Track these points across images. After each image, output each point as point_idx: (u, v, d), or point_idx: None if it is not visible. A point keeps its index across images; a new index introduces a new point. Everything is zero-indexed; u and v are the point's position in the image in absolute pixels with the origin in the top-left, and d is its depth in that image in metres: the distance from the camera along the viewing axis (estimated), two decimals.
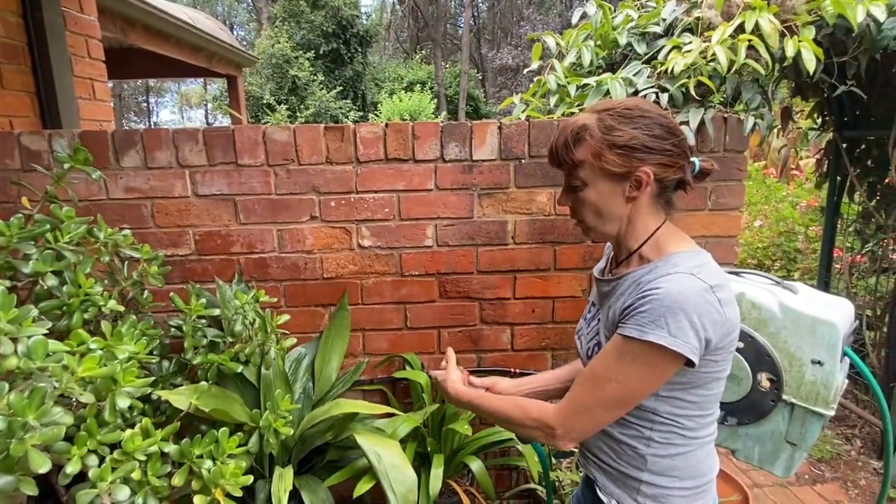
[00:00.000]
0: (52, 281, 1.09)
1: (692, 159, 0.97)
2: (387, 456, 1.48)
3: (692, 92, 1.82)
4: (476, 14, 22.74)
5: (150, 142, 1.78)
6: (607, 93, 2.03)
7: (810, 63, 1.80)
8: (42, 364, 0.82)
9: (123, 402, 0.96)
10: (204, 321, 1.49)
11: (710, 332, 0.83)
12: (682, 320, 0.82)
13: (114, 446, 1.02)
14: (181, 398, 1.31)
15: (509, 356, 2.02)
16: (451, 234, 1.91)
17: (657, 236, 0.95)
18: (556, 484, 1.84)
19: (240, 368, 1.40)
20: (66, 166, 1.25)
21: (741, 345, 1.50)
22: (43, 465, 0.77)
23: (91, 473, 0.92)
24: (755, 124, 1.82)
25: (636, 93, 2.00)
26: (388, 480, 1.44)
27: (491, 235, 1.92)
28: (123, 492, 0.93)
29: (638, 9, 2.31)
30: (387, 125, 1.83)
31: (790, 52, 1.82)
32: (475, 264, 1.94)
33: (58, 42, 2.37)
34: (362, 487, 1.47)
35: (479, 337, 2.00)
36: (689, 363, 0.85)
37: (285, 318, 1.52)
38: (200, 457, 1.16)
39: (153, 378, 1.35)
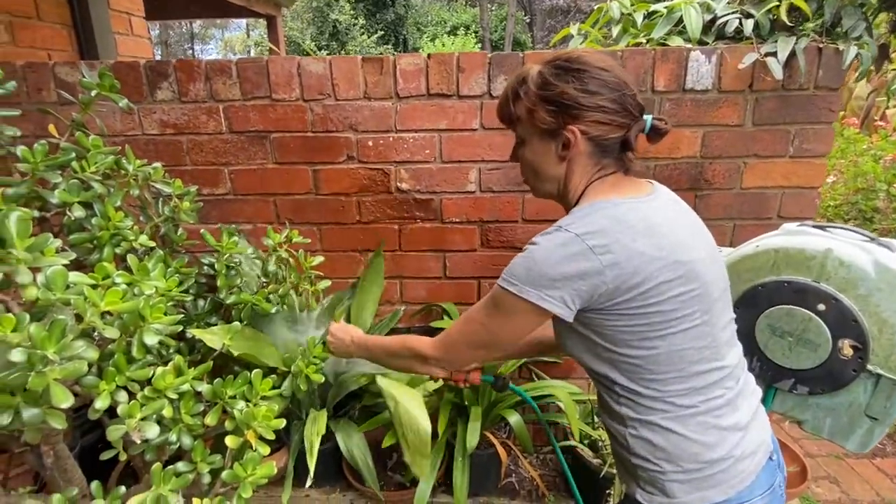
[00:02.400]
0: (79, 212, 1.05)
1: (644, 116, 0.89)
2: (404, 402, 1.42)
3: (783, 17, 1.57)
4: None
5: (184, 74, 1.70)
6: (679, 21, 1.79)
7: None
8: (63, 296, 0.77)
9: (151, 339, 0.92)
10: (238, 261, 1.44)
11: (580, 285, 0.79)
12: (537, 272, 0.81)
13: (145, 384, 0.99)
14: (215, 338, 1.28)
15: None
16: (496, 178, 1.78)
17: (587, 192, 0.90)
18: (600, 443, 1.77)
19: (273, 309, 1.35)
20: (92, 93, 1.18)
21: (822, 307, 1.33)
22: (65, 400, 0.74)
23: (119, 409, 0.89)
24: (857, 55, 1.56)
25: (714, 20, 1.75)
26: (401, 428, 1.38)
27: None
28: (153, 429, 0.90)
29: None
30: (429, 56, 1.67)
31: None
32: (521, 212, 1.81)
33: None
34: (390, 440, 1.43)
35: None
36: (562, 319, 0.83)
37: (319, 259, 1.46)
38: (233, 397, 1.12)
39: (183, 315, 1.33)
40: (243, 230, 1.81)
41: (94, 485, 1.01)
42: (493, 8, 19.69)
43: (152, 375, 0.95)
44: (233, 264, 1.36)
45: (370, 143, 1.75)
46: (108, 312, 0.86)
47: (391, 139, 1.75)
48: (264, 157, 1.78)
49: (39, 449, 1.05)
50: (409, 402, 1.36)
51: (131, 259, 0.93)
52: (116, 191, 1.18)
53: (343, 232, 1.85)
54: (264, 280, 1.38)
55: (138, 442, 0.89)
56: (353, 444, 1.66)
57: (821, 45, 1.61)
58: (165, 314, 0.96)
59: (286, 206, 1.82)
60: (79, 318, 0.83)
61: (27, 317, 0.76)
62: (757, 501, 0.87)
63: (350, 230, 1.85)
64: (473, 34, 17.48)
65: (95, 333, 0.85)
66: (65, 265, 0.81)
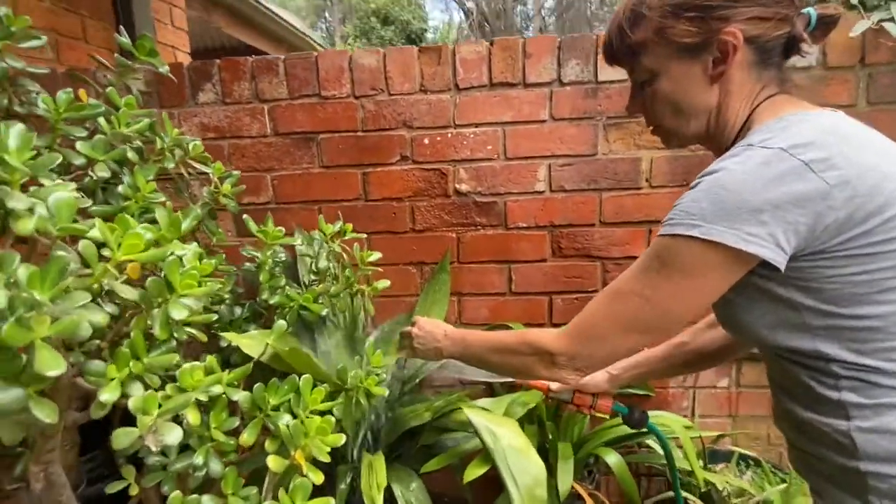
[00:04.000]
0: (103, 171, 0.87)
1: (804, 10, 0.68)
2: (505, 436, 1.13)
3: None
4: (544, 25, 22.42)
5: (228, 73, 1.59)
6: None
7: None
8: (67, 226, 0.56)
9: (179, 314, 0.69)
10: (282, 260, 1.24)
11: (798, 215, 0.55)
12: (732, 203, 0.57)
13: (166, 382, 0.76)
14: (253, 343, 1.05)
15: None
16: (567, 175, 1.57)
17: (756, 115, 0.68)
18: (711, 490, 1.41)
19: (325, 311, 1.12)
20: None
21: None
22: (54, 366, 0.51)
23: (131, 403, 0.65)
24: None
25: None
26: (506, 466, 1.09)
27: (619, 177, 1.55)
28: (174, 432, 0.66)
29: None
30: (492, 43, 1.53)
31: None
32: (598, 214, 1.58)
33: (143, 5, 2.30)
34: (473, 472, 1.14)
35: None
36: (768, 265, 0.58)
37: (377, 255, 1.24)
38: (276, 409, 0.88)
39: (216, 320, 1.11)
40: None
41: None
42: None
43: (175, 361, 0.72)
44: (278, 260, 1.15)
45: (426, 141, 1.58)
46: (123, 268, 0.65)
47: (449, 135, 1.57)
48: (310, 161, 1.62)
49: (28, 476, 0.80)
50: (514, 439, 1.07)
51: (159, 211, 0.73)
52: (149, 165, 1.01)
53: (395, 242, 1.64)
54: (314, 278, 1.17)
55: (153, 448, 0.64)
56: (411, 495, 1.36)
57: None
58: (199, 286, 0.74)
59: (332, 214, 1.63)
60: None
61: (17, 256, 0.55)
62: None
63: (402, 240, 1.64)
64: None
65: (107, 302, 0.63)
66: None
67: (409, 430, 1.48)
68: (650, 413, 1.51)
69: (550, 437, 1.40)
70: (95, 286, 0.60)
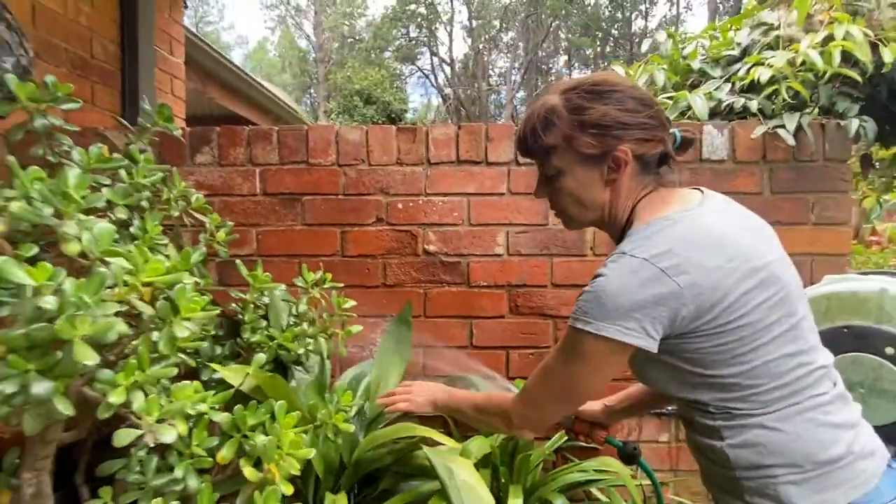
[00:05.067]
0: (122, 214, 1.01)
1: (672, 130, 0.90)
2: (460, 473, 1.23)
3: (785, 95, 1.72)
4: (515, 112, 24.16)
5: (226, 139, 1.79)
6: (686, 110, 1.96)
7: None
8: (107, 248, 0.71)
9: (182, 332, 0.82)
10: (262, 310, 1.37)
11: (660, 311, 0.74)
12: (611, 305, 0.75)
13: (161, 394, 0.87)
14: (233, 374, 1.16)
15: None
16: (523, 241, 1.78)
17: (636, 211, 0.87)
18: None
19: (301, 350, 1.24)
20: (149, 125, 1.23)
21: (891, 351, 1.25)
22: (90, 358, 0.63)
23: (136, 405, 0.76)
24: (860, 127, 1.68)
25: (718, 104, 1.92)
26: (459, 499, 1.18)
27: (568, 245, 1.77)
28: (170, 433, 0.76)
29: (710, 39, 2.30)
30: (460, 126, 1.79)
31: (888, 58, 1.72)
32: (550, 276, 1.78)
33: (147, 75, 2.54)
34: None
35: None
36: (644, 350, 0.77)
37: (352, 302, 1.38)
38: (253, 430, 0.98)
39: (198, 359, 1.22)
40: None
41: None
42: None
43: (171, 374, 0.83)
44: (261, 304, 1.29)
45: (400, 206, 1.78)
46: (142, 289, 0.79)
47: (420, 202, 1.78)
48: (294, 219, 1.80)
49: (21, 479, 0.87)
50: (468, 477, 1.19)
51: (171, 249, 0.88)
52: (157, 211, 1.16)
53: (367, 295, 1.78)
54: (294, 319, 1.29)
55: (151, 444, 0.74)
56: None
57: (823, 122, 1.74)
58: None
59: (312, 268, 1.76)
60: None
61: (63, 271, 0.69)
62: None
63: (373, 294, 1.79)
64: None
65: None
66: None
67: (369, 474, 1.55)
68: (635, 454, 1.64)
69: (503, 480, 1.49)
70: (121, 298, 0.74)
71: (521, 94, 24.70)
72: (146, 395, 0.81)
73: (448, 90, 23.84)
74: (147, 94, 2.50)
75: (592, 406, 1.22)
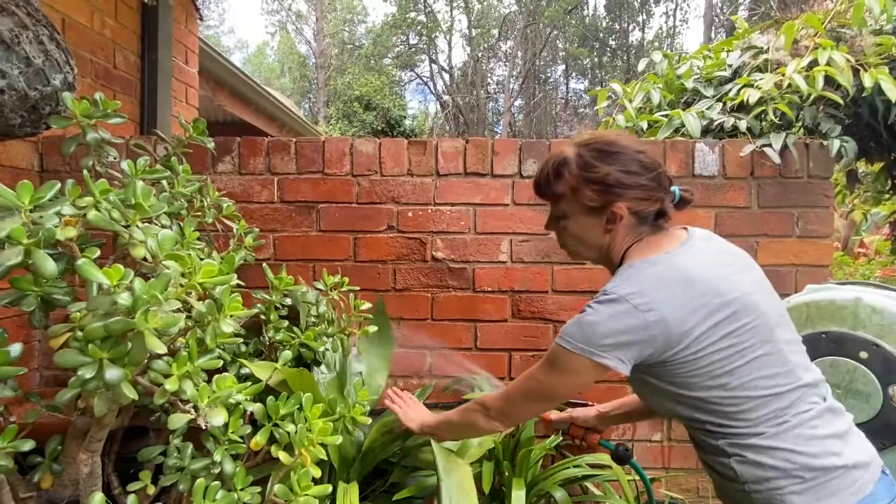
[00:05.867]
0: (166, 221, 1.11)
1: (672, 188, 1.00)
2: (455, 476, 1.33)
3: (772, 116, 1.84)
4: (513, 120, 24.36)
5: (246, 150, 1.89)
6: (680, 128, 2.08)
7: (892, 92, 1.80)
8: (170, 252, 0.81)
9: (227, 327, 0.92)
10: (285, 309, 1.47)
11: (630, 340, 0.86)
12: (590, 332, 0.88)
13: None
14: (261, 369, 1.25)
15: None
16: (526, 249, 1.88)
17: (628, 253, 0.98)
18: None
19: (322, 347, 1.34)
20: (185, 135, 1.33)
21: (864, 355, 1.35)
22: (159, 347, 0.73)
23: (189, 393, 0.86)
24: (841, 147, 1.80)
25: (709, 124, 2.04)
26: (448, 497, 1.27)
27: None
28: (219, 417, 0.86)
29: (703, 59, 2.42)
30: (467, 141, 1.89)
31: (868, 83, 1.84)
32: (550, 283, 1.88)
33: (164, 84, 2.64)
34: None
35: None
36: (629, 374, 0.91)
37: (367, 305, 1.48)
38: (283, 419, 1.07)
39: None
40: None
41: (131, 499, 0.91)
42: None
43: (217, 366, 0.93)
44: (283, 304, 1.38)
45: (410, 214, 1.89)
46: (195, 289, 0.89)
47: (429, 211, 1.89)
48: (309, 226, 1.90)
49: (77, 461, 0.96)
50: (462, 480, 1.29)
51: (215, 253, 0.97)
52: (192, 218, 1.26)
53: (376, 299, 1.88)
54: (314, 321, 1.39)
55: (204, 426, 0.84)
56: None
57: (807, 142, 1.86)
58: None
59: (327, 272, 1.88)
60: None
61: (132, 272, 0.79)
62: None
63: (384, 297, 1.88)
64: None
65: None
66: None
67: (378, 468, 1.64)
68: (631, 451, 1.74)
69: (506, 474, 1.59)
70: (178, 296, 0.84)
71: (518, 102, 24.96)
72: (194, 384, 0.91)
73: (447, 97, 24.04)
74: (164, 103, 2.61)
75: (587, 412, 1.34)
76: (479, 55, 23.87)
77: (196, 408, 0.85)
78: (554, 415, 1.39)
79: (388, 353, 1.76)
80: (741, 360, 0.87)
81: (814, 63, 1.92)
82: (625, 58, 24.24)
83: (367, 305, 1.47)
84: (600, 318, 0.88)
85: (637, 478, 1.72)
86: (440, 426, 1.23)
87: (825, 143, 1.84)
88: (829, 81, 1.88)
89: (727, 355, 0.86)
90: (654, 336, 0.85)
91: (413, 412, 1.32)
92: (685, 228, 1.01)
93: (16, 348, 0.82)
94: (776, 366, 0.89)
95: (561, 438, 1.75)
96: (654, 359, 0.88)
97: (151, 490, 1.06)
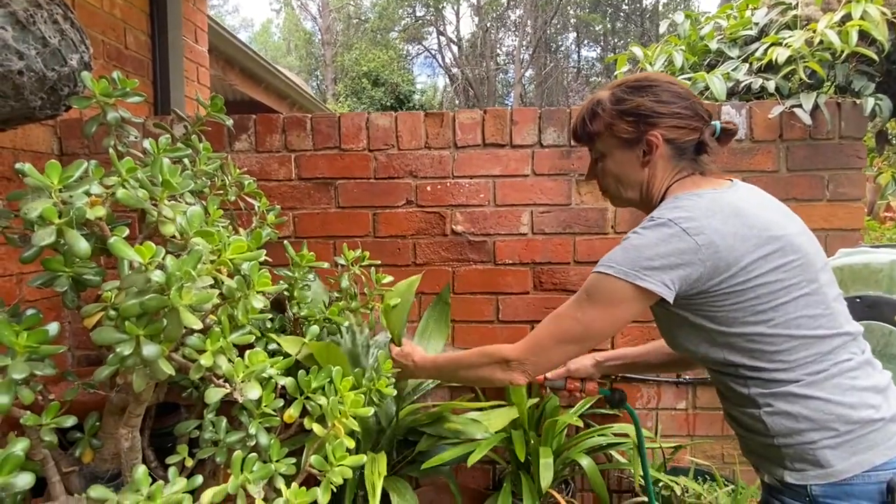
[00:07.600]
0: (190, 199, 1.11)
1: (713, 122, 0.98)
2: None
3: (802, 75, 1.77)
4: (524, 92, 23.91)
5: (262, 127, 1.87)
6: (704, 91, 2.01)
7: None
8: (200, 230, 0.80)
9: (258, 303, 0.92)
10: (311, 277, 1.47)
11: (678, 263, 0.83)
12: (635, 255, 0.85)
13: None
14: (290, 344, 1.27)
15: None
16: (547, 221, 1.86)
17: (670, 191, 0.96)
18: (671, 495, 1.62)
19: (346, 323, 1.35)
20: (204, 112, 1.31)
21: None
22: (195, 323, 0.73)
23: (224, 369, 0.87)
24: (876, 105, 1.73)
25: (736, 84, 1.97)
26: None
27: (590, 223, 1.85)
28: (254, 390, 0.87)
29: (727, 18, 2.32)
30: (485, 111, 1.85)
31: None
32: (572, 254, 1.86)
33: (176, 64, 2.62)
34: (475, 457, 1.34)
35: None
36: (664, 300, 0.85)
37: (389, 278, 1.48)
38: (315, 392, 1.09)
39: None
40: None
41: (172, 471, 0.94)
42: None
43: (251, 340, 0.94)
44: (307, 282, 1.39)
45: (428, 188, 1.87)
46: (225, 266, 0.89)
47: (448, 184, 1.87)
48: (328, 202, 1.89)
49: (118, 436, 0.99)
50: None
51: (242, 230, 0.97)
52: (215, 196, 1.26)
53: (398, 273, 1.86)
54: (336, 294, 1.40)
55: (240, 400, 0.85)
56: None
57: (839, 101, 1.79)
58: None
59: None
60: None
61: (162, 250, 0.79)
62: None
63: (404, 272, 1.88)
64: None
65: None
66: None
67: (406, 439, 1.66)
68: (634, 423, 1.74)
69: (532, 442, 1.60)
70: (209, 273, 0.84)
71: (529, 72, 24.44)
72: (228, 359, 0.91)
73: (455, 70, 23.62)
74: (176, 83, 2.59)
75: (584, 361, 1.29)
76: (488, 25, 23.32)
77: (230, 382, 0.86)
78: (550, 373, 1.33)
79: (439, 346, 1.74)
80: (787, 297, 0.84)
81: (846, 18, 1.83)
82: (639, 22, 23.48)
83: (388, 279, 1.47)
84: (647, 241, 0.85)
85: (662, 445, 1.73)
86: (444, 365, 1.18)
87: (858, 101, 1.77)
88: (863, 36, 1.80)
89: (773, 290, 0.84)
90: (702, 260, 0.83)
91: (402, 364, 1.27)
92: (731, 179, 0.99)
93: (53, 327, 0.83)
94: (820, 307, 0.86)
95: (587, 406, 1.75)
96: (699, 287, 0.85)
97: (189, 462, 1.09)
